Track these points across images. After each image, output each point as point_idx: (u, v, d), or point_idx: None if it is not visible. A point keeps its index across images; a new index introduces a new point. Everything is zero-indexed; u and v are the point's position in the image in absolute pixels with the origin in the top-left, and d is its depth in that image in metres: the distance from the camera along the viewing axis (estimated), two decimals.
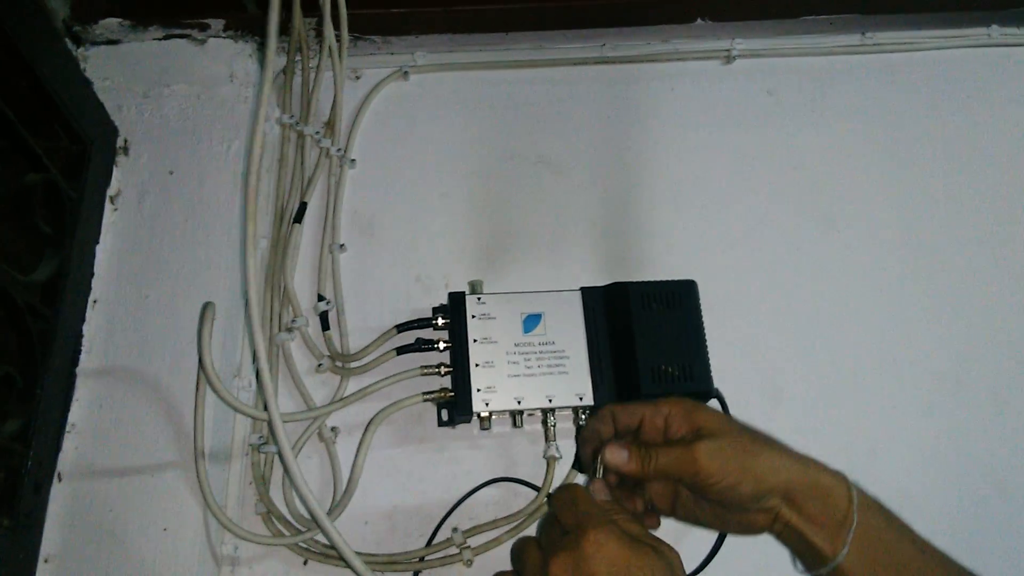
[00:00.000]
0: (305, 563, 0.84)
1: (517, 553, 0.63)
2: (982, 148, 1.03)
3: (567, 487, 0.65)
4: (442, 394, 0.86)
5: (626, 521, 0.62)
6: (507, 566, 0.71)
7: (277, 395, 0.87)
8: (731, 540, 0.80)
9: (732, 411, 0.83)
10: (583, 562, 0.56)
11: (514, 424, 0.85)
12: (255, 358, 0.87)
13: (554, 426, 0.85)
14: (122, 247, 0.90)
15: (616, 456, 0.65)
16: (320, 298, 0.92)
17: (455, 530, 0.83)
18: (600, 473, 0.67)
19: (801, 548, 0.64)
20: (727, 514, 0.66)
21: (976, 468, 0.88)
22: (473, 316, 0.86)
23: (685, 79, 1.07)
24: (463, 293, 0.87)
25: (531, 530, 0.84)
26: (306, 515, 0.84)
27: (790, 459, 0.64)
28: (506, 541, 0.84)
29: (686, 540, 0.73)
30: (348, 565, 0.69)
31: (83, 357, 0.86)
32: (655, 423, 0.68)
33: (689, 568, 0.81)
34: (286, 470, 0.74)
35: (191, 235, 0.90)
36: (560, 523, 0.61)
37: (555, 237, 0.98)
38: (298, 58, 1.00)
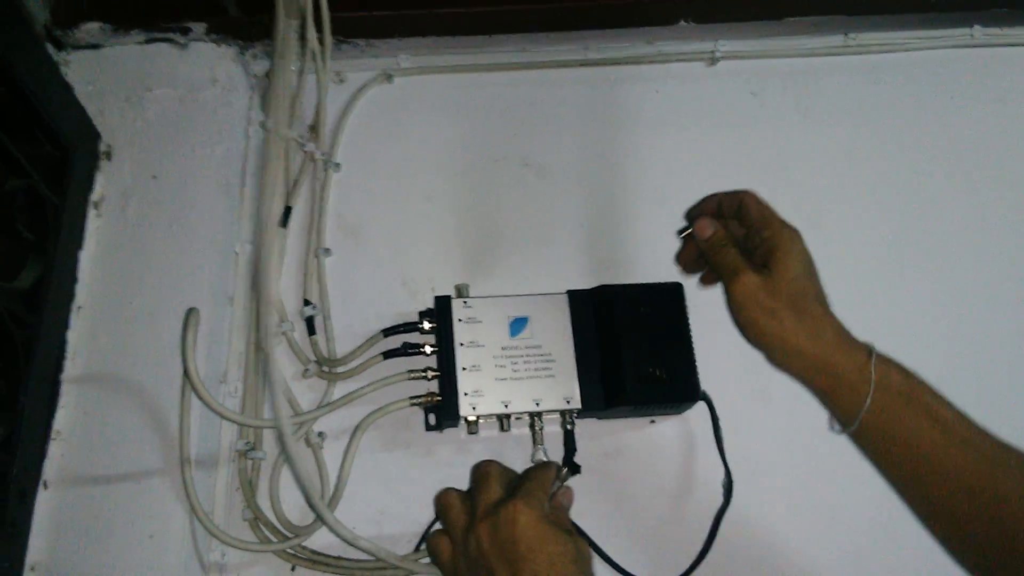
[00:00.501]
0: (293, 569, 0.84)
1: (444, 510, 0.73)
2: (966, 148, 1.04)
3: (492, 462, 0.76)
4: (429, 398, 0.86)
5: (552, 510, 0.72)
6: None
7: (282, 396, 0.87)
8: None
9: (720, 413, 0.83)
10: (502, 528, 0.66)
11: (501, 428, 0.85)
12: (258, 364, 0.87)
13: (541, 429, 0.84)
14: (106, 253, 0.90)
15: (699, 227, 0.77)
16: (306, 303, 0.91)
17: None
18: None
19: (825, 405, 0.71)
20: None
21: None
22: (459, 320, 0.85)
23: (669, 81, 1.07)
24: (449, 297, 0.87)
25: None
26: (294, 520, 0.84)
27: (813, 338, 0.69)
28: None
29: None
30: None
31: (67, 364, 0.85)
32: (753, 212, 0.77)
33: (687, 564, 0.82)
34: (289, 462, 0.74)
35: (175, 240, 0.90)
36: (489, 491, 0.71)
37: (541, 240, 0.98)
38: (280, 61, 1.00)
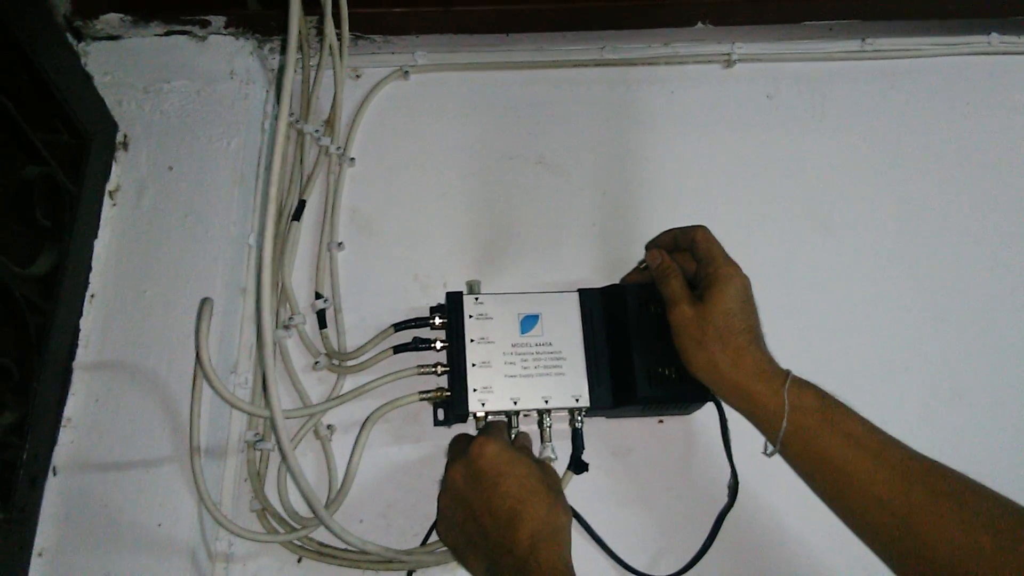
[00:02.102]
0: (299, 561, 0.84)
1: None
2: (981, 156, 1.03)
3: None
4: (438, 393, 0.86)
5: (519, 445, 0.81)
6: None
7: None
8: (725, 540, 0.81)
9: (729, 416, 0.83)
10: (472, 463, 0.73)
11: (510, 425, 0.85)
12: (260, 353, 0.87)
13: (550, 427, 0.84)
14: (120, 242, 0.90)
15: (649, 257, 0.82)
16: (318, 296, 0.92)
17: None
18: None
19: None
20: None
21: (973, 476, 0.88)
22: (470, 316, 0.85)
23: (685, 83, 1.07)
24: (461, 293, 0.87)
25: None
26: (302, 512, 0.84)
27: (733, 367, 0.73)
28: None
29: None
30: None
31: (80, 351, 0.86)
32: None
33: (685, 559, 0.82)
34: (285, 463, 0.74)
35: (190, 231, 0.90)
36: (458, 445, 0.81)
37: (553, 238, 0.98)
38: (299, 56, 1.00)
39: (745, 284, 0.77)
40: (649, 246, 0.85)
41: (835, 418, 0.70)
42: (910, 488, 0.65)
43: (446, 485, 0.75)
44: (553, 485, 0.76)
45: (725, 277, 0.76)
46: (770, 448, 0.73)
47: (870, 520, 0.68)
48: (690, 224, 0.82)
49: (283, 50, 1.02)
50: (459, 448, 0.79)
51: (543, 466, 0.79)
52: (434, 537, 0.84)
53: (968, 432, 0.91)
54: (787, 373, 0.73)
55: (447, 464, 0.78)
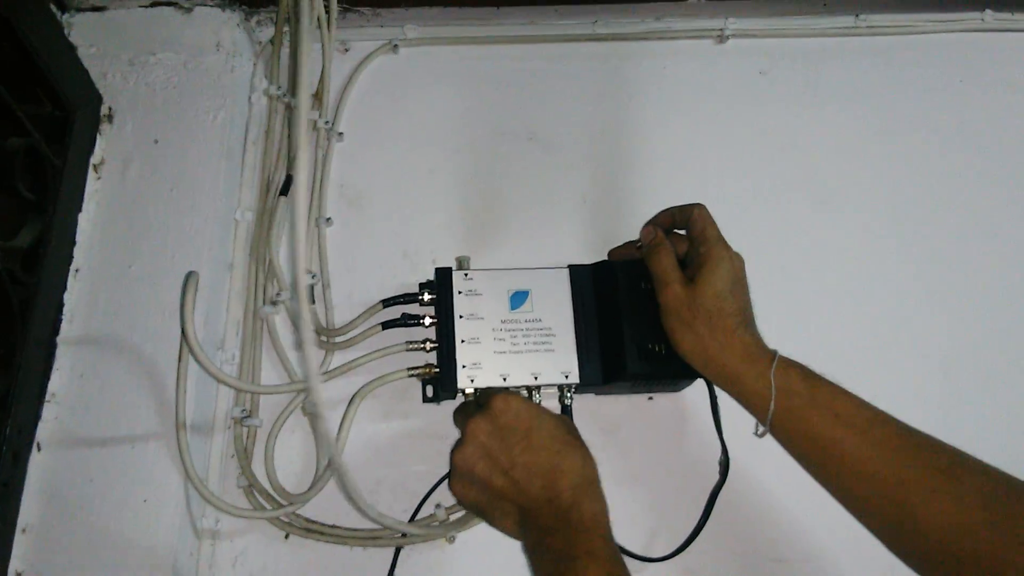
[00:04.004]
0: (287, 537, 0.84)
1: (455, 418, 0.82)
2: (974, 132, 1.03)
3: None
4: (427, 370, 0.85)
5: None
6: (491, 543, 0.81)
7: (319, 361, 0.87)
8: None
9: (719, 393, 0.82)
10: (497, 417, 0.72)
11: None
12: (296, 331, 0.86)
13: (539, 403, 0.84)
14: (105, 216, 0.89)
15: (643, 233, 0.83)
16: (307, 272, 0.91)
17: (438, 506, 0.82)
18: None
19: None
20: None
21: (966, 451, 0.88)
22: (460, 292, 0.85)
23: (678, 58, 1.06)
24: (450, 269, 0.86)
25: None
26: (289, 488, 0.84)
27: (720, 350, 0.73)
28: None
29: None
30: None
31: (64, 326, 0.85)
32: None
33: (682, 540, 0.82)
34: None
35: (175, 205, 0.89)
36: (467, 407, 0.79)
37: (544, 214, 0.97)
38: (286, 29, 0.99)
39: (737, 266, 0.77)
40: (646, 224, 0.85)
41: (822, 398, 0.70)
42: (900, 464, 0.65)
43: (465, 441, 0.74)
44: (579, 438, 0.76)
45: (717, 258, 0.76)
46: (760, 429, 0.73)
47: (861, 497, 0.68)
48: (688, 202, 0.81)
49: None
50: (472, 409, 0.77)
51: (567, 419, 0.79)
52: (424, 512, 0.83)
53: (962, 409, 0.90)
54: (774, 354, 0.73)
55: (464, 422, 0.76)
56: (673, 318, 0.75)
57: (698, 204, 0.80)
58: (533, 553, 0.70)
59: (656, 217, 0.84)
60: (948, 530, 0.62)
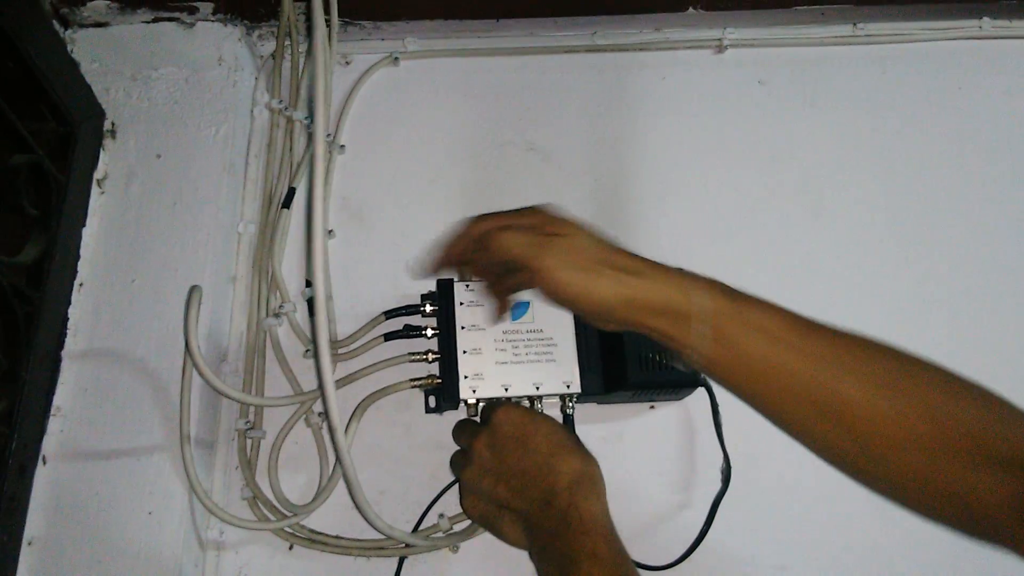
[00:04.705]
0: (291, 548, 0.84)
1: (460, 449, 0.79)
2: (972, 140, 1.03)
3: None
4: (429, 381, 0.86)
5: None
6: (494, 552, 0.82)
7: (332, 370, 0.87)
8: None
9: (720, 400, 0.83)
10: (496, 430, 0.73)
11: None
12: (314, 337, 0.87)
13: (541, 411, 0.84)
14: (109, 231, 0.90)
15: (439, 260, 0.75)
16: (308, 284, 0.91)
17: (442, 516, 0.83)
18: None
19: (670, 350, 0.64)
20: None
21: None
22: (461, 303, 0.85)
23: (676, 68, 1.06)
24: (452, 280, 0.87)
25: None
26: (293, 500, 0.84)
27: (634, 278, 0.63)
28: None
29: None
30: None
31: (69, 340, 0.85)
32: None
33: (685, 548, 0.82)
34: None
35: (178, 219, 0.90)
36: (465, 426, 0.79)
37: None
38: (287, 43, 1.00)
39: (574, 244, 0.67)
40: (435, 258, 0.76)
41: (749, 316, 0.63)
42: (840, 379, 0.60)
43: (471, 459, 0.74)
44: (579, 441, 0.75)
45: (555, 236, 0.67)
46: (685, 366, 0.66)
47: (800, 417, 0.62)
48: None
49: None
50: (471, 426, 0.78)
51: (566, 424, 0.80)
52: (427, 523, 0.84)
53: None
54: (686, 276, 0.65)
55: (465, 441, 0.76)
56: (570, 272, 0.64)
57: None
58: (540, 560, 0.70)
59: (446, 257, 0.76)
60: (894, 448, 0.57)
